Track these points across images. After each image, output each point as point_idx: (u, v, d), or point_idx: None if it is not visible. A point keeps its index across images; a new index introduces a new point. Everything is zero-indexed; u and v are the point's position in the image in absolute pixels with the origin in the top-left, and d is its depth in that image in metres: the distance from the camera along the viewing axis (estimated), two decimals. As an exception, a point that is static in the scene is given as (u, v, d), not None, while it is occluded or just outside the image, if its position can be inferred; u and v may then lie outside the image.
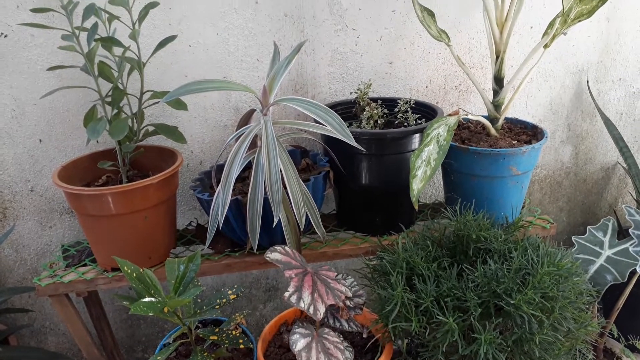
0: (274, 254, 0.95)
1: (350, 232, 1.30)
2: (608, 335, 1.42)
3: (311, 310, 0.87)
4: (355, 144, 0.96)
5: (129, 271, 0.92)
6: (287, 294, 0.87)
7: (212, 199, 1.04)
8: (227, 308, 1.58)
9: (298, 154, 1.32)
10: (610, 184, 1.74)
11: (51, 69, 1.08)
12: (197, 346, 0.98)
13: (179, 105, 1.13)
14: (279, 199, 0.94)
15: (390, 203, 1.24)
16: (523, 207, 1.32)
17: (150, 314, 0.85)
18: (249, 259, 1.17)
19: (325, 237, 1.16)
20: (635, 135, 1.68)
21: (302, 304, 0.87)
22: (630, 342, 1.42)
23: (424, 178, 1.05)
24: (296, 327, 0.91)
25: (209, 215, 1.06)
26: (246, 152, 1.03)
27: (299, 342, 0.87)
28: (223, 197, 0.96)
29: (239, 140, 0.98)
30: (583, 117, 1.60)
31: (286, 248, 0.97)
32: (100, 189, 1.04)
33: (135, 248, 1.12)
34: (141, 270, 0.93)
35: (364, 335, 1.09)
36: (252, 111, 1.05)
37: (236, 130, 1.04)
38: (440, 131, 1.10)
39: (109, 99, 1.12)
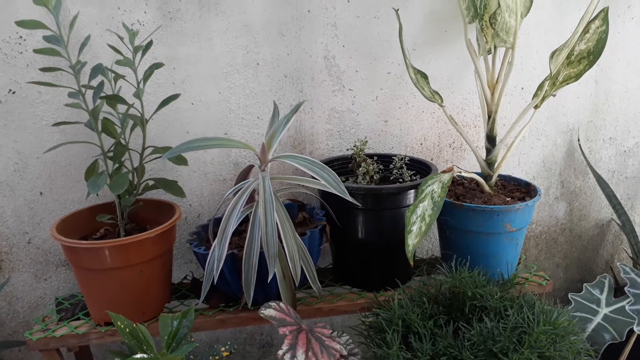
0: (269, 310, 0.94)
1: (346, 287, 1.29)
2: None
3: (305, 368, 0.86)
4: (350, 199, 0.98)
5: (122, 326, 0.92)
6: (280, 352, 0.86)
7: (208, 253, 1.05)
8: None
9: (295, 208, 1.33)
10: (605, 240, 1.74)
11: (56, 124, 1.12)
12: (188, 405, 0.96)
13: (180, 160, 1.15)
14: (274, 253, 0.95)
15: (386, 258, 1.25)
16: (519, 264, 1.32)
17: (142, 371, 0.84)
18: (243, 314, 1.16)
19: (321, 292, 1.16)
20: (628, 192, 1.70)
21: (296, 362, 0.86)
22: (632, 405, 1.38)
23: (419, 233, 1.07)
24: (290, 387, 0.89)
25: (204, 270, 1.07)
26: (244, 207, 1.05)
27: (292, 402, 0.85)
28: (219, 251, 0.97)
29: (237, 195, 1.00)
30: (576, 175, 1.62)
31: (281, 304, 0.97)
32: (98, 242, 1.04)
33: (130, 302, 1.11)
34: (134, 325, 0.92)
35: (360, 396, 1.07)
36: (251, 167, 1.08)
37: (235, 185, 1.06)
38: (435, 188, 1.12)
39: (110, 154, 1.14)
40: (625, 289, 1.19)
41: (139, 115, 1.12)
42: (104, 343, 1.18)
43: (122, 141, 1.13)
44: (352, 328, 1.14)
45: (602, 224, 1.72)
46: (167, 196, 1.30)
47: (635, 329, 1.11)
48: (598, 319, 1.22)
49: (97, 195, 1.32)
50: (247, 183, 1.03)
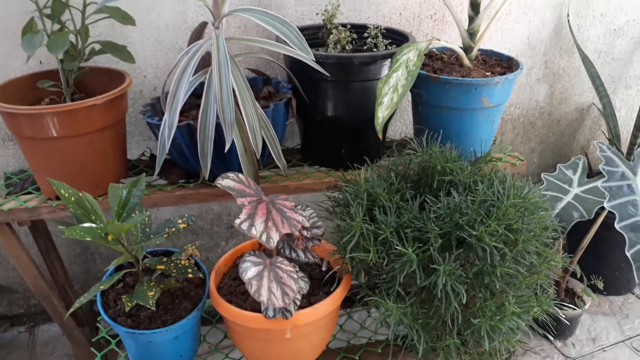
0: (226, 181, 0.88)
1: (315, 167, 1.24)
2: (571, 276, 1.42)
3: (264, 238, 0.82)
4: (316, 65, 0.89)
5: (67, 195, 0.85)
6: (238, 221, 0.82)
7: (161, 124, 0.96)
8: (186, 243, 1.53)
9: (260, 82, 1.24)
10: (583, 126, 1.70)
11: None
12: (144, 276, 0.93)
13: (126, 19, 1.02)
14: (231, 121, 0.87)
15: (356, 135, 1.18)
16: (494, 144, 1.28)
17: (88, 239, 0.79)
18: (204, 190, 1.11)
19: (286, 169, 1.10)
20: (613, 75, 1.63)
21: (253, 231, 0.82)
22: (592, 282, 1.42)
23: (390, 105, 0.99)
24: (248, 255, 0.86)
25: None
26: (198, 72, 0.95)
27: (249, 270, 0.82)
28: (170, 118, 0.89)
29: (187, 57, 0.89)
30: (561, 54, 1.53)
31: (240, 176, 0.91)
32: (38, 107, 0.95)
33: (81, 175, 1.05)
34: (80, 194, 0.86)
35: (323, 268, 1.06)
36: (204, 25, 0.96)
37: (187, 47, 0.95)
38: (410, 56, 1.03)
39: (48, 11, 1.01)
40: (600, 166, 1.16)
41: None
42: (57, 218, 1.13)
43: (60, -5, 0.99)
44: (318, 204, 1.10)
45: (582, 108, 1.66)
46: (119, 65, 1.19)
47: (605, 205, 1.10)
48: (569, 198, 1.21)
49: (41, 62, 1.20)
50: (199, 43, 0.92)
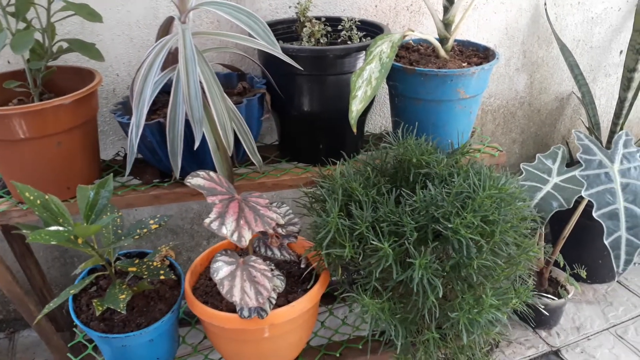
0: (196, 180, 0.86)
1: (293, 163, 1.22)
2: (554, 265, 1.42)
3: (235, 237, 0.81)
4: (283, 56, 0.87)
5: (32, 198, 0.83)
6: (207, 220, 0.80)
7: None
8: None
9: (235, 78, 1.21)
10: (564, 115, 1.70)
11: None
12: (117, 279, 0.91)
13: (93, 16, 1.00)
14: (199, 117, 0.85)
15: (333, 130, 1.17)
16: (472, 135, 1.27)
17: (53, 243, 0.77)
18: (179, 189, 1.08)
19: (261, 165, 1.09)
20: (592, 63, 1.63)
21: (224, 230, 0.80)
22: (575, 271, 1.42)
23: (364, 98, 0.98)
24: (219, 255, 0.84)
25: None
26: (166, 68, 0.93)
27: (221, 270, 0.81)
28: (137, 117, 0.86)
29: (154, 53, 0.87)
30: (539, 44, 1.53)
31: (211, 173, 0.89)
32: (3, 108, 0.92)
33: (50, 178, 1.02)
34: (46, 197, 0.84)
35: (302, 265, 1.04)
36: (171, 20, 0.94)
37: (155, 42, 0.93)
38: (384, 48, 1.02)
39: (12, 9, 0.98)
40: (578, 155, 1.15)
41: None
42: (28, 221, 1.10)
43: (23, -8, 0.96)
44: (295, 201, 1.09)
45: (562, 97, 1.66)
46: (90, 64, 1.16)
47: (583, 193, 1.09)
48: (548, 188, 1.20)
49: (9, 62, 1.17)
50: (167, 39, 0.89)
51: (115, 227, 0.95)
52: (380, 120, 1.50)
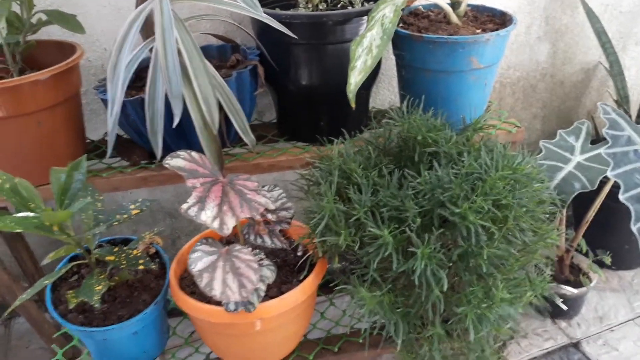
0: (176, 160, 0.79)
1: (291, 143, 1.14)
2: (575, 251, 1.32)
3: (216, 224, 0.73)
4: (272, 22, 0.78)
5: (0, 182, 0.76)
6: (185, 206, 0.73)
7: (109, 98, 0.87)
8: (166, 230, 1.46)
9: (229, 50, 1.13)
10: (590, 87, 1.57)
11: None
12: (96, 268, 0.85)
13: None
14: (178, 92, 0.77)
15: (334, 106, 1.08)
16: (488, 110, 1.16)
17: (19, 230, 0.71)
18: (167, 171, 1.01)
19: (254, 145, 1.00)
20: (621, 30, 1.49)
21: (203, 217, 0.73)
22: (598, 257, 1.32)
23: (364, 69, 0.89)
24: (199, 244, 0.77)
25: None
26: (148, 39, 0.85)
27: (199, 261, 0.73)
28: (112, 93, 0.79)
29: (129, 21, 0.79)
30: (563, 9, 1.40)
31: (192, 154, 0.81)
32: (-28, 85, 0.86)
33: (30, 159, 0.96)
34: (15, 180, 0.77)
35: (299, 253, 0.97)
36: (148, -16, 0.85)
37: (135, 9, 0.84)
38: (386, 12, 0.92)
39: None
40: (604, 130, 1.04)
41: None
42: (8, 207, 1.05)
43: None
44: (292, 183, 1.01)
45: (587, 68, 1.53)
46: (75, 38, 1.09)
47: (608, 174, 0.98)
48: (570, 167, 1.09)
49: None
50: (145, 4, 0.81)
51: (96, 213, 0.88)
52: (389, 95, 1.40)
